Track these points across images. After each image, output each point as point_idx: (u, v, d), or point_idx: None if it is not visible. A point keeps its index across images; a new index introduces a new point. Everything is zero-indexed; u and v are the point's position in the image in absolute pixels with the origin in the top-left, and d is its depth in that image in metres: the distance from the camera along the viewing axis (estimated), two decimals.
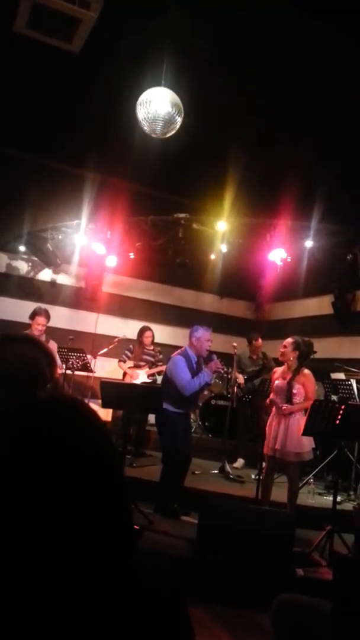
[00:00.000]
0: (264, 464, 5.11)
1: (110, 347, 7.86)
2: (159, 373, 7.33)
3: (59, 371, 6.39)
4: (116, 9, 4.23)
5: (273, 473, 5.07)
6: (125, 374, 7.36)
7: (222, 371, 5.18)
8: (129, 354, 7.40)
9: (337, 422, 4.29)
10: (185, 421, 5.31)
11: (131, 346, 7.46)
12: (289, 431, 4.75)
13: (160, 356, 7.47)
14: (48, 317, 5.97)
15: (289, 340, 5.01)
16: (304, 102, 5.33)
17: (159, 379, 7.48)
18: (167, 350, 7.88)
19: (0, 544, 0.49)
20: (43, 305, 6.40)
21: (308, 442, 4.78)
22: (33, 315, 5.92)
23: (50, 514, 0.51)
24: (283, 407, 4.81)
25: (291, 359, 4.95)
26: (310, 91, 5.15)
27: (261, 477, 5.08)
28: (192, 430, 8.21)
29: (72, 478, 0.54)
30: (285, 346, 4.98)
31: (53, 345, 6.00)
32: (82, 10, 3.99)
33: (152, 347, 7.51)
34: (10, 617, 0.48)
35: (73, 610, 0.50)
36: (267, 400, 5.15)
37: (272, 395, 5.09)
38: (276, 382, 5.04)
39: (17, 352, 1.39)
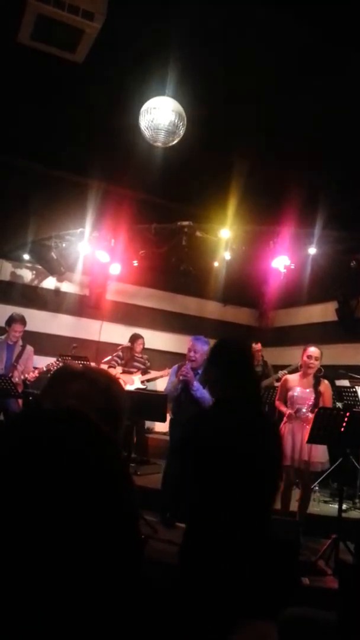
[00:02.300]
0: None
1: (114, 355, 7.86)
2: (149, 380, 7.45)
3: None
4: (119, 20, 4.27)
5: (292, 484, 5.04)
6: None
7: (187, 377, 4.98)
8: (118, 360, 7.45)
9: (342, 429, 4.27)
10: (177, 429, 5.27)
11: (120, 352, 7.51)
12: None
13: (149, 363, 7.57)
14: (24, 323, 6.05)
15: (318, 351, 4.96)
16: (306, 109, 5.36)
17: (149, 386, 7.63)
18: (173, 357, 7.89)
19: (8, 554, 0.49)
20: (46, 314, 6.43)
21: (325, 451, 4.79)
22: (9, 322, 5.96)
23: (55, 525, 0.51)
24: None
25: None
26: (312, 99, 5.18)
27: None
28: None
29: (79, 490, 0.53)
30: (317, 358, 4.93)
31: (30, 350, 6.05)
32: (86, 21, 4.04)
33: (141, 355, 7.61)
34: (15, 633, 0.47)
35: (80, 622, 0.50)
36: (290, 411, 4.97)
37: (290, 405, 5.01)
38: (296, 391, 4.98)
39: (73, 389, 1.24)
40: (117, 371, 7.32)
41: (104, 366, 7.92)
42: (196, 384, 4.94)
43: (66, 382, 1.26)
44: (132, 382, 7.26)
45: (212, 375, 2.32)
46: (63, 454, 0.54)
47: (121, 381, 7.20)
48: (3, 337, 6.05)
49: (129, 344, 7.62)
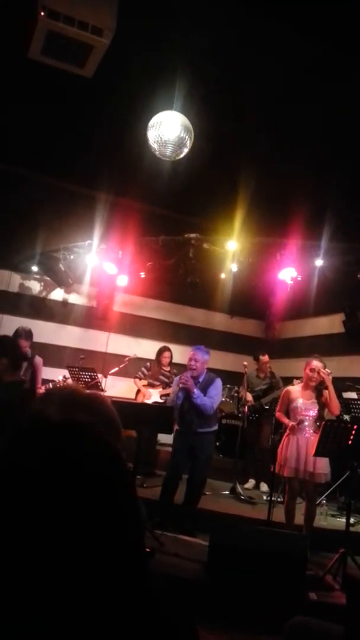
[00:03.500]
0: (285, 487, 5.05)
1: (121, 366, 7.86)
2: (168, 395, 7.33)
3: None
4: (128, 36, 4.34)
5: (297, 496, 5.00)
6: (138, 391, 7.35)
7: (186, 384, 5.11)
8: (145, 371, 7.39)
9: (350, 442, 4.24)
10: (179, 439, 5.31)
11: (148, 364, 7.45)
12: None
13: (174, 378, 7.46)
14: (30, 337, 5.94)
15: (320, 365, 4.95)
16: (313, 121, 5.39)
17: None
18: (180, 369, 7.87)
19: (15, 567, 0.49)
20: (53, 325, 6.41)
21: (328, 463, 4.77)
22: (15, 338, 5.86)
23: (60, 537, 0.51)
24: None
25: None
26: (319, 111, 5.21)
27: (283, 500, 5.02)
28: None
29: (84, 502, 0.53)
30: (319, 372, 4.92)
31: (39, 361, 6.00)
32: (95, 37, 4.10)
33: (168, 368, 7.50)
34: None
35: (87, 635, 0.50)
36: (293, 423, 4.92)
37: (292, 416, 4.99)
38: (299, 402, 4.96)
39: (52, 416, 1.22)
40: (141, 384, 7.31)
41: (116, 378, 7.93)
42: (196, 392, 5.07)
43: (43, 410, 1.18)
44: (151, 396, 7.24)
45: None
46: (68, 469, 0.54)
47: (141, 394, 7.22)
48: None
49: (155, 358, 7.51)
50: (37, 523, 0.51)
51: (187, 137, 4.36)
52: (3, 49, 4.96)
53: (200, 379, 5.22)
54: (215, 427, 5.49)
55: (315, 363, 4.92)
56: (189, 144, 4.42)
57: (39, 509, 0.51)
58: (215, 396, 5.19)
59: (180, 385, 5.11)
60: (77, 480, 0.54)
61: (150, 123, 4.40)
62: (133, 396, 7.58)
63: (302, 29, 4.20)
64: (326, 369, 4.93)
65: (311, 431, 4.82)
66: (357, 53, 4.37)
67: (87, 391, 1.31)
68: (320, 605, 3.80)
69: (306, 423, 4.86)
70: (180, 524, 5.08)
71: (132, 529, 0.57)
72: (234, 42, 4.54)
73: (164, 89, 4.85)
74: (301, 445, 4.80)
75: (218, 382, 5.30)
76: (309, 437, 4.79)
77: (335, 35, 4.25)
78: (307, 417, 4.88)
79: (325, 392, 4.92)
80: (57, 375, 6.71)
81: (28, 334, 5.90)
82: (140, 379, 7.34)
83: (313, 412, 4.88)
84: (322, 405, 4.90)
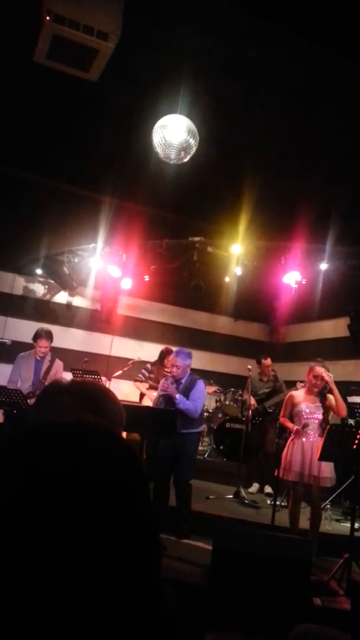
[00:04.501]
0: (289, 491, 5.03)
1: (125, 369, 7.85)
2: None
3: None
4: (133, 40, 4.35)
5: (301, 500, 4.98)
6: (142, 395, 7.30)
7: (167, 391, 5.13)
8: (146, 373, 7.28)
9: (355, 446, 4.22)
10: (163, 443, 5.31)
11: (149, 366, 7.36)
12: None
13: None
14: (50, 338, 5.87)
15: (323, 369, 4.93)
16: (319, 125, 5.39)
17: None
18: None
19: (28, 576, 0.48)
20: (57, 328, 6.40)
21: (332, 467, 4.75)
22: (35, 338, 5.86)
23: (78, 547, 0.49)
24: None
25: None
26: (324, 115, 5.21)
27: (287, 505, 4.99)
28: (207, 454, 8.17)
29: (101, 509, 0.51)
30: (323, 379, 4.89)
31: (59, 365, 5.96)
32: (100, 41, 4.11)
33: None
34: None
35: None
36: (297, 427, 4.90)
37: (296, 421, 4.97)
38: (303, 407, 4.95)
39: (57, 404, 1.26)
40: (143, 387, 7.16)
41: (120, 381, 7.93)
42: (178, 397, 5.05)
43: (55, 396, 1.27)
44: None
45: None
46: (89, 474, 0.52)
47: (145, 397, 7.15)
48: (27, 353, 5.96)
49: (157, 360, 7.29)
50: (54, 532, 0.49)
51: (192, 140, 4.36)
52: (9, 53, 4.98)
53: (183, 381, 5.21)
54: (201, 429, 5.45)
55: (318, 369, 4.90)
56: (194, 147, 4.43)
57: (58, 514, 0.49)
58: (198, 399, 5.14)
59: (161, 393, 5.13)
60: (97, 485, 0.52)
61: (156, 126, 4.41)
62: (134, 399, 7.54)
63: (309, 34, 4.20)
64: (328, 373, 4.91)
65: (316, 435, 4.80)
66: None
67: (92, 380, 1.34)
68: (325, 610, 3.78)
69: (310, 427, 4.85)
70: (176, 526, 5.06)
71: (148, 535, 0.55)
72: (239, 46, 4.55)
73: (169, 93, 4.86)
74: (306, 450, 4.78)
75: (200, 384, 5.24)
76: (314, 441, 4.77)
77: (343, 40, 4.25)
78: (312, 421, 4.86)
79: (330, 396, 4.90)
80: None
81: (48, 334, 5.86)
82: (141, 381, 7.25)
83: (317, 416, 4.87)
84: (327, 409, 4.89)
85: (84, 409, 1.21)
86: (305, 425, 4.85)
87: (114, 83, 4.92)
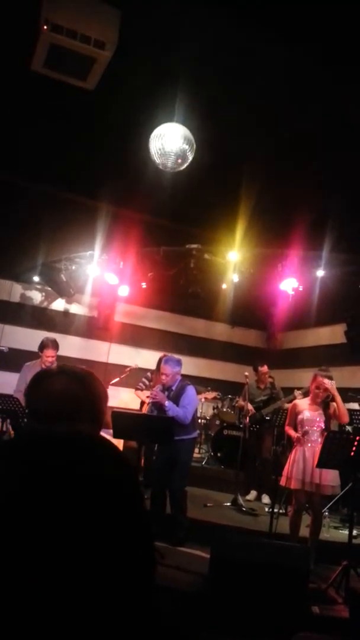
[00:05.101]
0: (289, 499, 5.01)
1: (122, 376, 7.84)
2: None
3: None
4: (130, 49, 4.38)
5: (303, 509, 4.96)
6: (143, 403, 7.28)
7: (156, 398, 5.18)
8: (146, 382, 7.28)
9: (352, 453, 4.22)
10: (158, 451, 5.36)
11: (149, 374, 7.36)
12: None
13: None
14: (56, 347, 5.85)
15: (324, 379, 4.93)
16: (314, 132, 5.43)
17: None
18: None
19: (24, 582, 0.48)
20: (54, 335, 6.38)
21: (337, 475, 4.74)
22: (41, 348, 5.83)
23: (74, 554, 0.49)
24: None
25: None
26: (319, 122, 5.25)
27: (285, 512, 4.97)
28: (205, 461, 8.14)
29: (97, 518, 0.51)
30: (326, 389, 4.87)
31: None
32: (97, 50, 4.14)
33: None
34: None
35: None
36: (297, 434, 4.92)
37: (300, 428, 4.97)
38: (305, 414, 4.94)
39: (53, 386, 1.37)
40: (143, 395, 7.13)
41: (117, 389, 7.90)
42: (168, 404, 5.06)
43: (46, 379, 1.40)
44: None
45: None
46: (78, 481, 0.53)
47: (146, 405, 7.12)
48: (33, 362, 5.93)
49: (156, 368, 7.18)
50: (48, 539, 0.49)
51: (188, 148, 4.39)
52: (7, 61, 5.01)
53: (173, 388, 5.23)
54: (194, 435, 5.44)
55: (319, 380, 4.90)
56: (190, 155, 4.45)
57: (49, 521, 0.50)
58: (188, 405, 5.14)
59: (150, 401, 5.18)
60: (90, 492, 0.53)
61: (152, 135, 4.43)
62: (135, 407, 7.53)
63: (302, 43, 4.24)
64: (331, 380, 4.91)
65: (318, 443, 4.79)
66: (356, 64, 4.41)
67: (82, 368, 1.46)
68: (324, 619, 3.76)
69: (312, 435, 4.84)
70: (172, 534, 5.04)
71: (143, 543, 0.55)
72: (235, 54, 4.58)
73: (165, 101, 4.89)
74: (308, 457, 4.77)
75: (190, 390, 5.24)
76: (316, 448, 4.76)
77: (335, 49, 4.29)
78: (313, 429, 4.86)
79: (332, 404, 4.90)
80: None
81: (55, 343, 5.82)
82: (141, 390, 7.24)
83: (319, 424, 4.86)
84: (329, 417, 4.88)
85: (76, 386, 1.36)
86: (305, 433, 4.84)
87: (111, 91, 4.95)
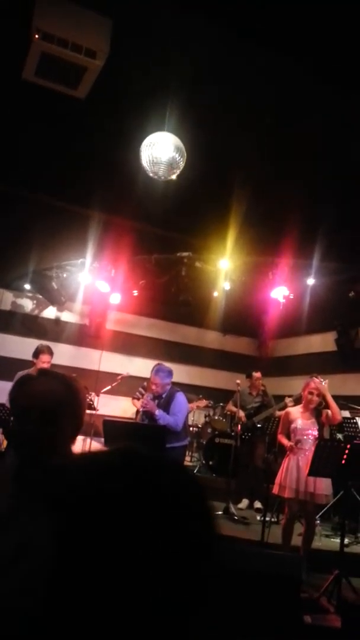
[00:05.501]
0: (281, 508, 5.00)
1: (114, 384, 7.82)
2: None
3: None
4: (121, 57, 4.40)
5: (296, 518, 4.95)
6: (138, 411, 7.26)
7: (146, 407, 5.21)
8: (142, 391, 7.27)
9: (343, 461, 4.22)
10: None
11: (145, 384, 7.35)
12: None
13: None
14: (51, 353, 5.86)
15: (316, 385, 4.93)
16: (306, 141, 5.47)
17: None
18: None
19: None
20: (46, 342, 6.37)
21: (330, 484, 4.73)
22: (37, 354, 5.82)
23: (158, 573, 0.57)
24: None
25: None
26: (311, 131, 5.29)
27: (280, 521, 4.96)
28: (196, 470, 8.11)
29: (173, 533, 0.58)
30: (319, 395, 4.88)
31: None
32: (88, 59, 4.15)
33: None
34: None
35: None
36: (290, 443, 4.91)
37: (292, 437, 4.96)
38: (298, 423, 4.93)
39: (34, 387, 1.44)
40: (139, 404, 7.14)
41: (108, 397, 7.87)
42: (158, 413, 5.08)
43: (28, 382, 1.50)
44: None
45: None
46: (162, 501, 0.59)
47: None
48: (25, 372, 5.91)
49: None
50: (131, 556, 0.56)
51: (179, 157, 4.40)
52: None
53: (163, 396, 5.25)
54: (185, 442, 5.44)
55: (313, 385, 4.90)
56: (181, 164, 4.46)
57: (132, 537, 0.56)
58: (178, 412, 5.14)
59: (141, 409, 5.21)
60: (171, 513, 0.59)
61: (143, 144, 4.45)
62: (126, 415, 7.51)
63: (293, 53, 4.28)
64: (322, 380, 4.93)
65: (312, 451, 4.78)
66: (349, 76, 4.45)
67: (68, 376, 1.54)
68: (316, 628, 3.74)
69: (305, 443, 4.82)
70: None
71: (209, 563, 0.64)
72: (226, 63, 4.62)
73: (157, 110, 4.91)
74: (301, 466, 4.75)
75: (179, 397, 5.24)
76: (310, 457, 4.75)
77: (330, 60, 4.34)
78: (306, 438, 4.85)
79: (324, 411, 4.90)
80: None
81: (49, 349, 5.85)
82: (138, 399, 7.23)
83: (312, 433, 4.85)
84: (322, 425, 4.89)
85: (57, 388, 1.43)
86: (298, 441, 4.83)
87: (101, 100, 4.96)
